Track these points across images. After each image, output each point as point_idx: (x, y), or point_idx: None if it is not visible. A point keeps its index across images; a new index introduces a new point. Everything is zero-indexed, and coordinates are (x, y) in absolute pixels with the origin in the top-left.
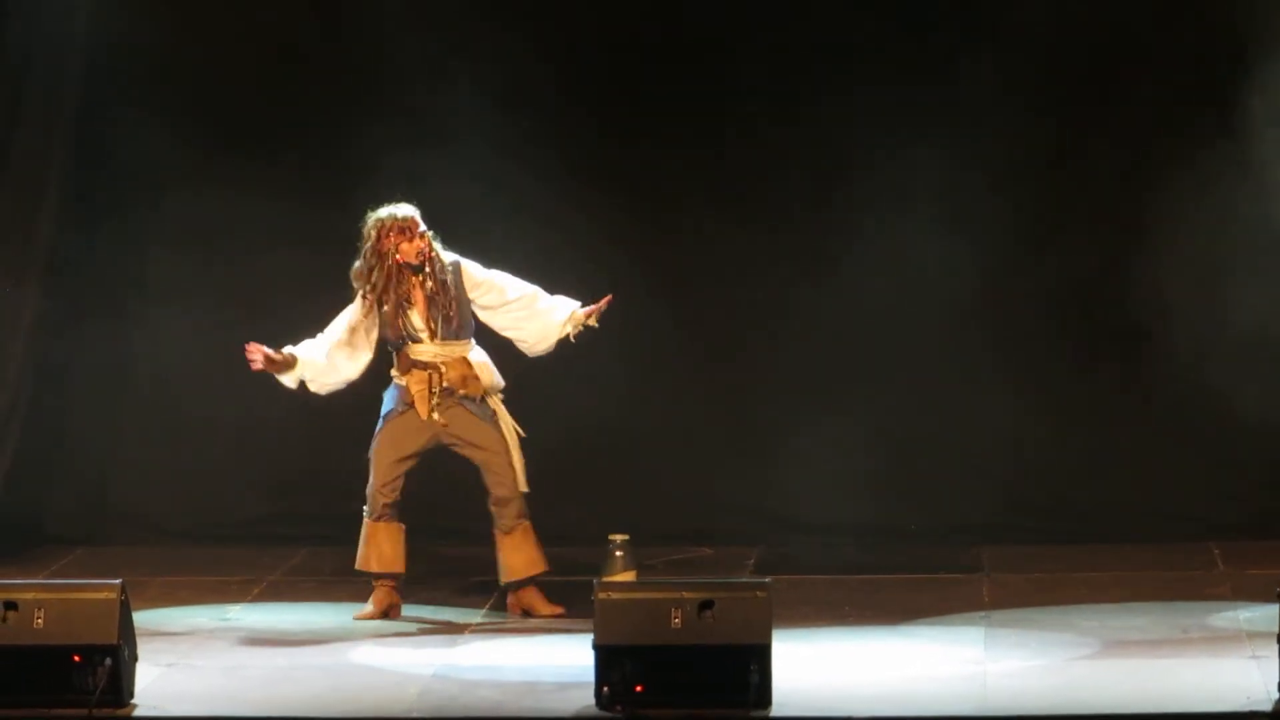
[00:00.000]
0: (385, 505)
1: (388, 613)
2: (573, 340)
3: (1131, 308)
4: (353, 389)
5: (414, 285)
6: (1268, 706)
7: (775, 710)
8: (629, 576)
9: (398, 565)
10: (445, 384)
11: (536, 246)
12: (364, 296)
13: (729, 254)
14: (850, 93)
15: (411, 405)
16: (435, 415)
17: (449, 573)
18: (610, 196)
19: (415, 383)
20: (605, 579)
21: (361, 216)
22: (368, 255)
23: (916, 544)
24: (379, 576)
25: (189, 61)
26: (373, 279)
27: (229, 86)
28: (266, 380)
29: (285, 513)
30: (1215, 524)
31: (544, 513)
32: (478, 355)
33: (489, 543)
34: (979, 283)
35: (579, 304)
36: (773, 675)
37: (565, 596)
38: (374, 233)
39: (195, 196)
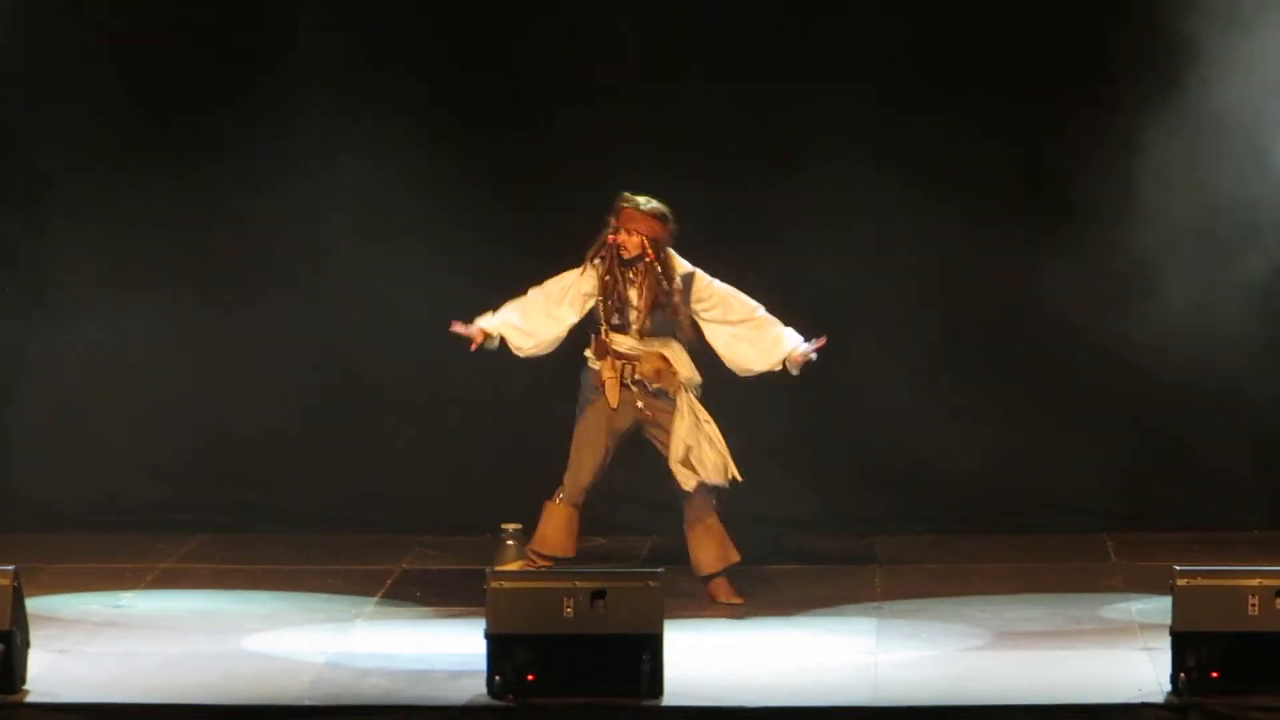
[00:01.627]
0: (581, 492)
1: None
2: (794, 374)
3: (1029, 305)
4: (256, 381)
5: (632, 276)
6: (1159, 698)
7: (667, 699)
8: (520, 565)
9: (574, 551)
10: (638, 376)
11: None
12: (591, 263)
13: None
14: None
15: (602, 391)
16: (639, 404)
17: (345, 560)
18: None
19: (607, 370)
20: (497, 568)
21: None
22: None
23: (810, 535)
24: (550, 559)
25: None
26: (597, 253)
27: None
28: (159, 366)
29: (178, 500)
30: (1108, 516)
31: (437, 503)
32: (676, 350)
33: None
34: (874, 280)
35: (800, 339)
36: (665, 665)
37: (460, 586)
38: (616, 208)
39: (90, 179)
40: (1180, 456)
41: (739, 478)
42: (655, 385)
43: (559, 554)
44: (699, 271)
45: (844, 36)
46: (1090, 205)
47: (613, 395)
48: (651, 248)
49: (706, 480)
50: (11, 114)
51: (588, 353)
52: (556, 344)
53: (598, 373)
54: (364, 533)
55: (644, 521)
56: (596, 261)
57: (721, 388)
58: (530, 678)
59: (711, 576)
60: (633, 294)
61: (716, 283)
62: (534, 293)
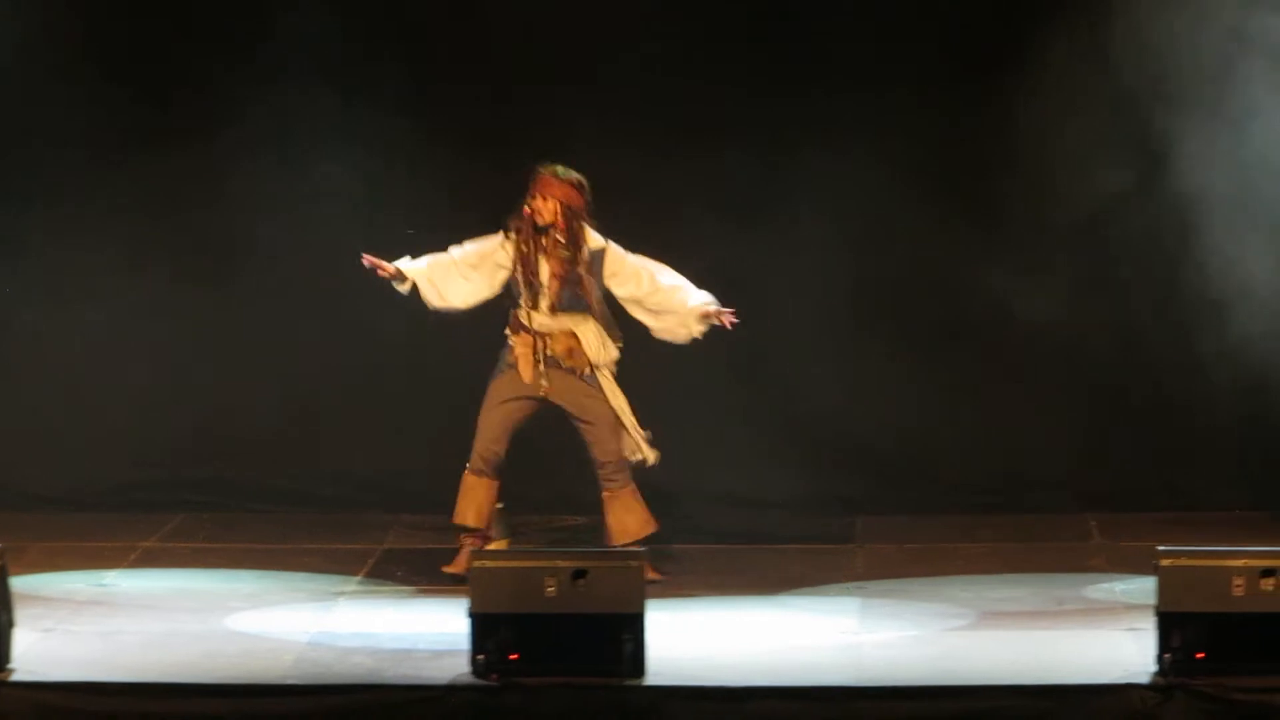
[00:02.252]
0: (486, 460)
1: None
2: (699, 338)
3: (1006, 282)
4: (237, 358)
5: (545, 249)
6: (1145, 679)
7: (649, 679)
8: (502, 545)
9: (486, 521)
10: (550, 353)
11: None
12: (507, 234)
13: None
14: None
15: (515, 366)
16: (544, 382)
17: (327, 539)
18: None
19: (521, 345)
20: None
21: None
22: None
23: (791, 514)
24: (472, 531)
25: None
26: (514, 226)
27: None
28: (143, 344)
29: (160, 479)
30: (1092, 496)
31: (419, 482)
32: (589, 328)
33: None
34: (854, 261)
35: (710, 299)
36: (646, 644)
37: (442, 565)
38: (533, 176)
39: (65, 156)
40: (1162, 437)
41: (649, 460)
42: (567, 364)
43: (460, 521)
44: (611, 244)
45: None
46: (1068, 180)
47: (525, 371)
48: (564, 215)
49: (630, 458)
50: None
51: (507, 330)
52: (466, 308)
53: (511, 348)
54: (346, 512)
55: None
56: (513, 234)
57: (703, 365)
58: (513, 657)
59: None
60: (544, 267)
61: (630, 256)
62: (454, 251)
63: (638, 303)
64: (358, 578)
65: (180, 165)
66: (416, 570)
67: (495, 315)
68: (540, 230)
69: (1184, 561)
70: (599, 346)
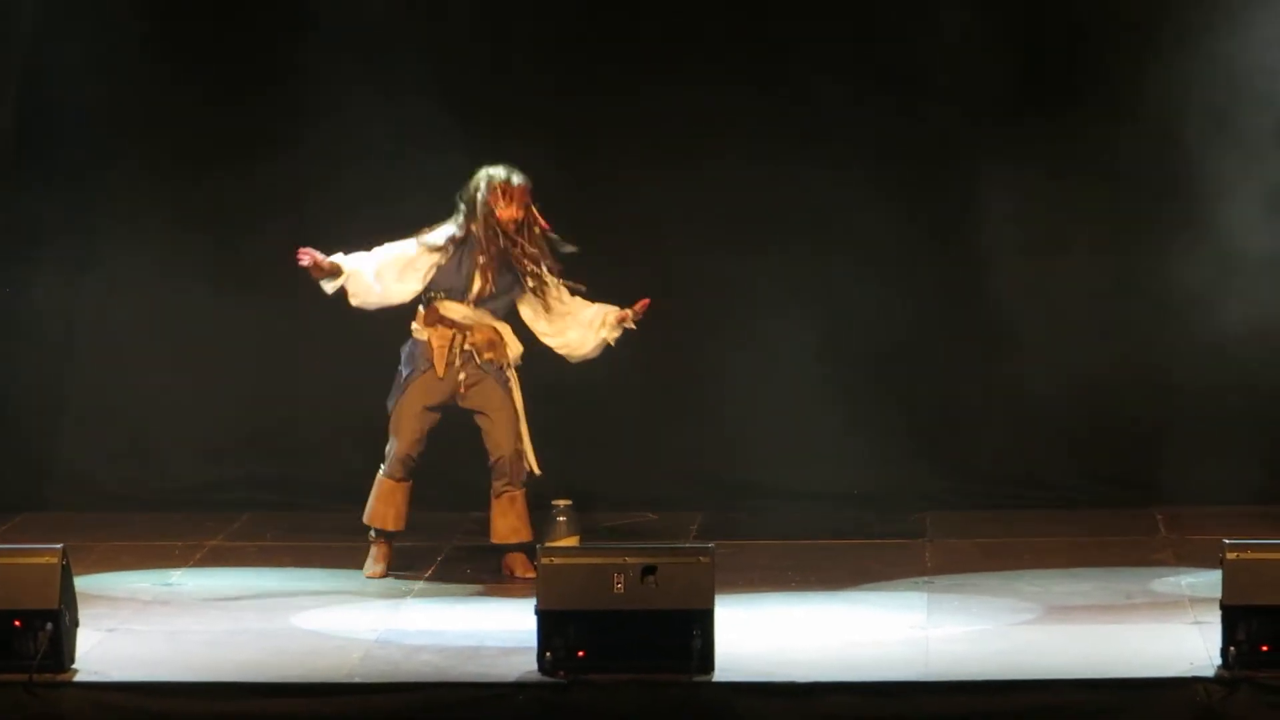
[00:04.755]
0: (405, 466)
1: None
2: (612, 345)
3: (1079, 279)
4: (305, 358)
5: (506, 251)
6: (1210, 672)
7: (717, 675)
8: (572, 542)
9: (404, 525)
10: (469, 345)
11: None
12: (449, 239)
13: (675, 220)
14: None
15: (431, 364)
16: (461, 376)
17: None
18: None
19: (437, 338)
20: (548, 544)
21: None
22: (470, 203)
23: (859, 509)
24: (390, 536)
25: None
26: (471, 228)
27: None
28: (208, 344)
29: (227, 478)
30: (1158, 490)
31: (488, 481)
32: (505, 324)
33: (436, 506)
34: (923, 256)
35: (615, 308)
36: (715, 640)
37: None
38: (482, 184)
39: (141, 163)
40: (1229, 431)
41: (535, 470)
42: (486, 356)
43: (378, 525)
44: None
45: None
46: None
47: (440, 363)
48: (532, 219)
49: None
50: (54, 95)
51: (414, 325)
52: (399, 304)
53: (425, 342)
54: (414, 509)
55: (693, 497)
56: (456, 233)
57: (771, 361)
58: (581, 654)
59: (506, 548)
60: (484, 261)
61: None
62: (373, 256)
63: (551, 316)
64: (426, 575)
65: (257, 172)
66: (484, 568)
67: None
68: (504, 234)
69: (1250, 555)
70: (516, 341)
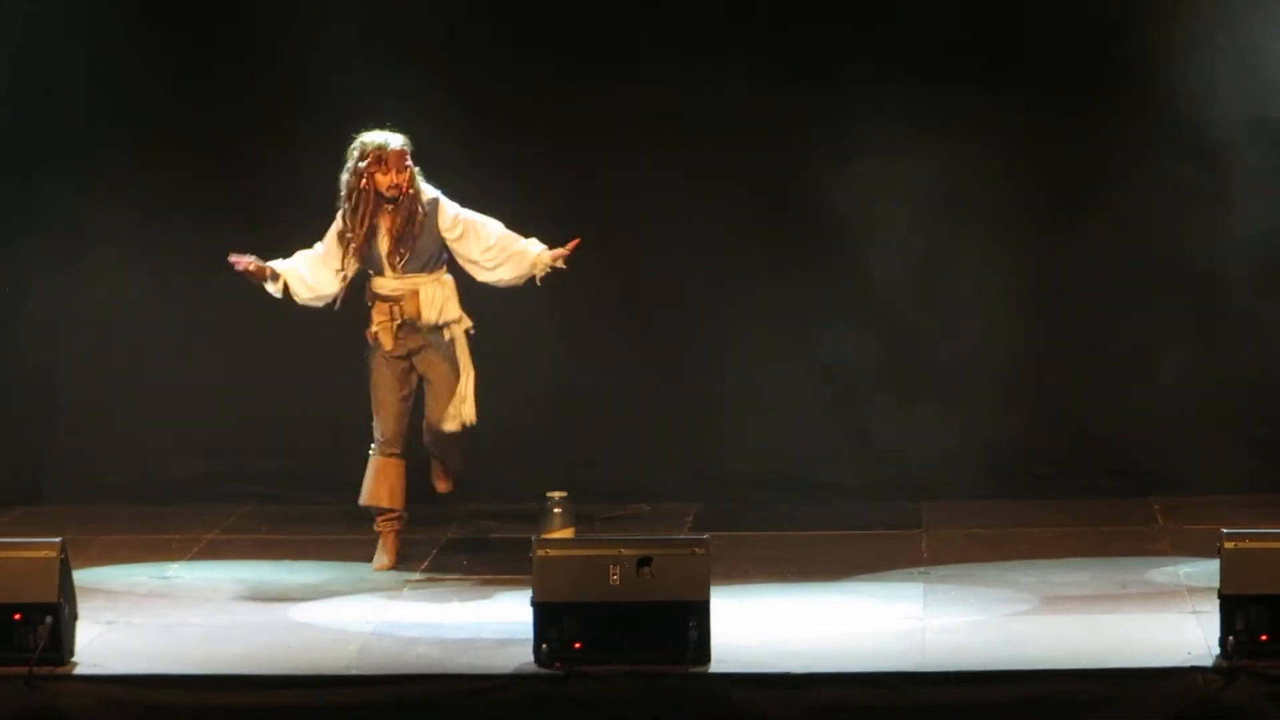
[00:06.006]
0: (394, 442)
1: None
2: (539, 283)
3: (1080, 268)
4: (302, 351)
5: (385, 216)
6: (1208, 662)
7: (713, 666)
8: (567, 534)
9: (401, 500)
10: (404, 316)
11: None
12: (341, 216)
13: (663, 209)
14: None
15: (379, 340)
16: (410, 344)
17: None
18: (535, 148)
19: (378, 315)
20: (543, 536)
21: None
22: (347, 177)
23: (855, 500)
24: (387, 512)
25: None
26: (351, 201)
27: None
28: (205, 338)
29: (225, 471)
30: (1155, 479)
31: (481, 470)
32: (436, 286)
33: (431, 498)
34: (918, 249)
35: (544, 247)
36: (711, 631)
37: (505, 555)
38: (355, 155)
39: (137, 150)
40: (1226, 419)
41: (470, 420)
42: (424, 321)
43: (372, 503)
44: (443, 197)
45: None
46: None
47: (386, 339)
48: (413, 180)
49: (467, 423)
50: (52, 85)
51: (367, 300)
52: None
53: (374, 321)
54: (410, 502)
55: (688, 488)
56: (345, 212)
57: (768, 351)
58: (577, 646)
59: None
60: (386, 231)
61: (463, 210)
62: (318, 247)
63: (477, 255)
64: (422, 568)
65: (256, 166)
66: (481, 560)
67: (541, 303)
68: (389, 201)
69: (1248, 544)
70: (440, 303)
